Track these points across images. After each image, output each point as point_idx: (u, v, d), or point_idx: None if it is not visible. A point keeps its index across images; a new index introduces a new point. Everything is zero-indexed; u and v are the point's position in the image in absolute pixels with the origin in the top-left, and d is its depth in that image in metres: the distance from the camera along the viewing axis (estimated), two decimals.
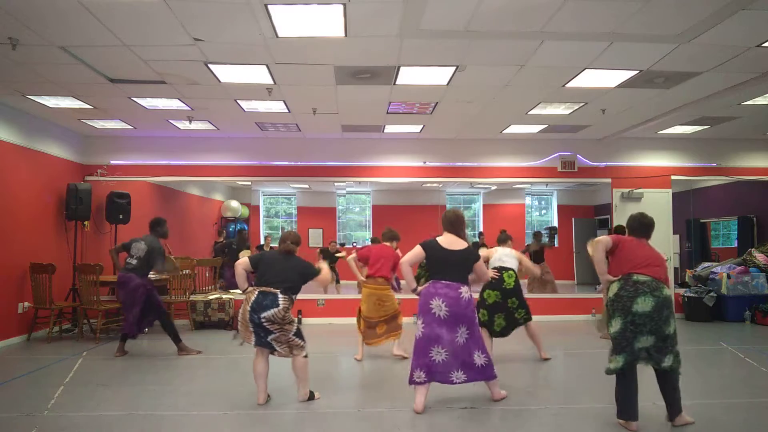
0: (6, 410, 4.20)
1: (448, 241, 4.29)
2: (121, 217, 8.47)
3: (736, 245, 10.73)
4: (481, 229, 13.13)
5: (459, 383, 4.21)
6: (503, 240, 6.10)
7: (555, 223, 13.41)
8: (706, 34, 4.74)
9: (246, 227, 12.23)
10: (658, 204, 9.05)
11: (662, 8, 4.25)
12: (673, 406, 3.74)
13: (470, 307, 4.19)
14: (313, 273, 4.46)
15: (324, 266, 4.68)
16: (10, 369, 5.58)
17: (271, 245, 10.26)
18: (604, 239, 3.86)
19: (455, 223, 4.34)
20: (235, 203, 12.66)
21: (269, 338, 4.23)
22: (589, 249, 6.61)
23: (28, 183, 7.36)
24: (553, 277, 9.65)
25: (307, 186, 12.33)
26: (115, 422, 3.97)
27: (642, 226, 3.97)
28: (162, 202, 10.42)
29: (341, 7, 4.23)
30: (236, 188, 12.61)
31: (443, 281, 4.18)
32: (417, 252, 4.29)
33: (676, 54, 5.22)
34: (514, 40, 4.92)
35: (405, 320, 6.23)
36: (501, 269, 5.65)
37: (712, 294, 8.63)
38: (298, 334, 4.33)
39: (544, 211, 13.98)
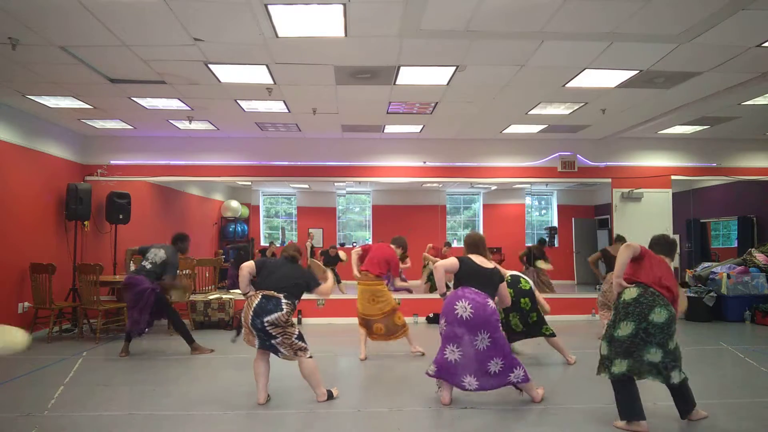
0: (6, 410, 4.20)
1: (479, 260, 4.45)
2: (121, 217, 8.47)
3: (736, 245, 10.73)
4: (481, 230, 13.12)
5: (471, 390, 4.24)
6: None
7: (555, 223, 13.41)
8: (706, 34, 4.74)
9: (246, 227, 12.25)
10: (658, 204, 9.05)
11: (662, 8, 4.25)
12: (687, 406, 3.85)
13: (495, 317, 4.24)
14: (315, 283, 4.52)
15: (329, 277, 4.77)
16: (10, 369, 5.57)
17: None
18: (635, 246, 3.88)
19: (479, 245, 4.53)
20: (235, 203, 12.66)
21: (272, 342, 4.25)
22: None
23: (28, 183, 7.36)
24: (549, 280, 9.67)
25: (307, 186, 12.32)
26: (115, 422, 3.97)
27: (668, 244, 4.06)
28: (162, 202, 10.42)
29: (341, 7, 4.23)
30: (236, 188, 12.60)
31: (474, 288, 4.28)
32: (452, 262, 4.42)
33: (676, 54, 5.22)
34: (514, 40, 4.92)
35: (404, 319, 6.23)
36: (515, 275, 5.75)
37: (712, 294, 8.63)
38: (300, 337, 4.35)
39: (544, 211, 13.97)
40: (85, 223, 8.29)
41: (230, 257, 11.51)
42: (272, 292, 4.23)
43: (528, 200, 13.69)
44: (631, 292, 3.79)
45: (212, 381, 5.35)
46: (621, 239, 7.32)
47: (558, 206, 13.55)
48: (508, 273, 5.73)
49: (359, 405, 4.37)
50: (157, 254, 6.24)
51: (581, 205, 13.28)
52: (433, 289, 9.69)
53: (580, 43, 5.03)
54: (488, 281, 4.36)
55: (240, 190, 12.59)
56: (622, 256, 3.86)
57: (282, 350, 4.27)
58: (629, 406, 3.72)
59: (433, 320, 8.51)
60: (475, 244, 4.54)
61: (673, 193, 9.30)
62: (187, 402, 4.48)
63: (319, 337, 7.48)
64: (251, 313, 4.19)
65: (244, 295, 4.36)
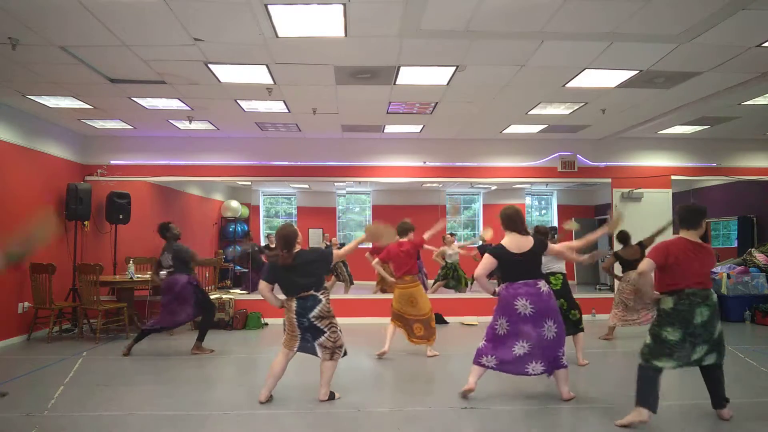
0: (6, 410, 4.20)
1: (515, 243, 4.30)
2: (121, 217, 8.47)
3: (736, 245, 10.72)
4: (482, 231, 13.09)
5: (534, 374, 4.30)
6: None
7: (555, 223, 13.40)
8: (705, 34, 4.74)
9: (246, 227, 12.24)
10: (658, 204, 9.05)
11: (662, 8, 4.25)
12: (720, 396, 3.88)
13: (552, 299, 4.26)
14: (329, 256, 4.50)
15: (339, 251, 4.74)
16: (10, 369, 5.58)
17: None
18: (648, 266, 3.77)
19: (515, 220, 4.35)
20: (235, 203, 12.65)
21: (317, 342, 4.31)
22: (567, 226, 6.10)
23: (28, 183, 7.36)
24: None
25: (307, 186, 12.31)
26: (115, 422, 3.97)
27: (690, 214, 3.87)
28: (162, 202, 10.42)
29: (341, 7, 4.23)
30: (236, 188, 12.59)
31: (520, 281, 4.25)
32: (489, 262, 4.30)
33: (676, 54, 5.22)
34: (514, 40, 4.92)
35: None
36: (548, 275, 5.47)
37: None
38: (340, 331, 4.45)
39: (544, 211, 13.97)
40: (85, 223, 8.29)
41: (243, 253, 11.44)
42: (304, 293, 4.30)
43: (528, 200, 13.68)
44: (667, 302, 3.78)
45: (212, 381, 5.36)
46: (627, 238, 7.16)
47: (558, 206, 13.55)
48: None
49: (359, 405, 4.37)
50: (167, 257, 6.39)
51: (581, 205, 13.26)
52: (448, 286, 9.70)
53: (580, 43, 5.03)
54: (529, 266, 4.28)
55: (240, 190, 12.58)
56: (642, 282, 3.84)
57: (321, 353, 4.33)
58: (647, 393, 3.72)
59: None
60: (510, 218, 4.35)
61: (673, 193, 9.29)
62: (187, 402, 4.48)
63: None
64: (294, 316, 4.29)
65: (281, 307, 4.45)
